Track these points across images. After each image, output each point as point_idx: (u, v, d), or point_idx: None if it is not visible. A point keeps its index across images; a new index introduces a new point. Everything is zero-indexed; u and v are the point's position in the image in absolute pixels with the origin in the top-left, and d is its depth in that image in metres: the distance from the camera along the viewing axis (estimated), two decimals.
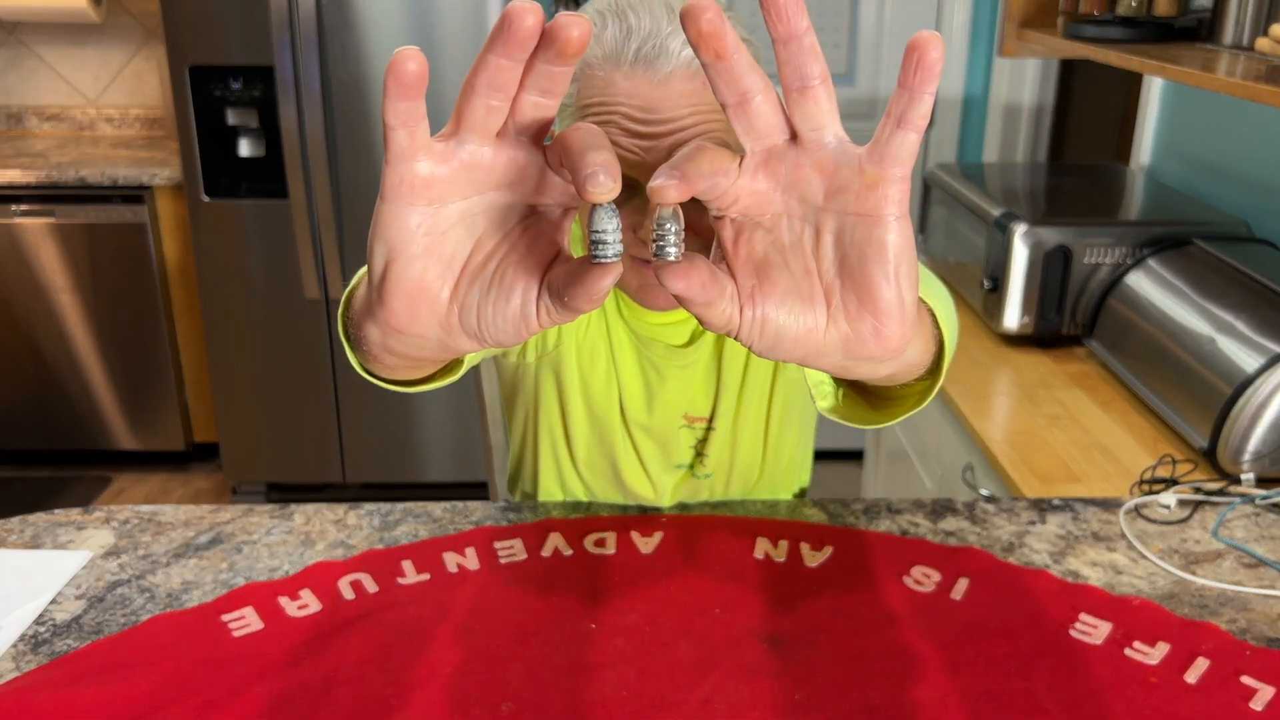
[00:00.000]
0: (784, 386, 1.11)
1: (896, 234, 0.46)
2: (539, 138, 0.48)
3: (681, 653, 0.92)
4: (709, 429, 1.11)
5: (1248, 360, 1.35)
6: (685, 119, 0.83)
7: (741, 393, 1.09)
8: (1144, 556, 1.08)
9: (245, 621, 0.96)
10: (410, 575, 1.02)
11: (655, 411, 1.08)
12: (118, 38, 3.24)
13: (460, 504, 1.17)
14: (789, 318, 0.47)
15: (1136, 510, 1.18)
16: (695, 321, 1.04)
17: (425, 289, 0.48)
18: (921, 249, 2.30)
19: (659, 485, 1.16)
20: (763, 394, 1.10)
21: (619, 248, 0.46)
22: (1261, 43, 1.41)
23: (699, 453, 1.13)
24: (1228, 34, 1.62)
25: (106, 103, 3.31)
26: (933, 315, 0.66)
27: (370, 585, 1.01)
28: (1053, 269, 1.72)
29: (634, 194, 0.87)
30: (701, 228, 0.89)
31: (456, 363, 0.66)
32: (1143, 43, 1.70)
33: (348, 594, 0.99)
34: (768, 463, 1.16)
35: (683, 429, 1.11)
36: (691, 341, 1.04)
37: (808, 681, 0.87)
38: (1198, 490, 1.23)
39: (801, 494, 1.25)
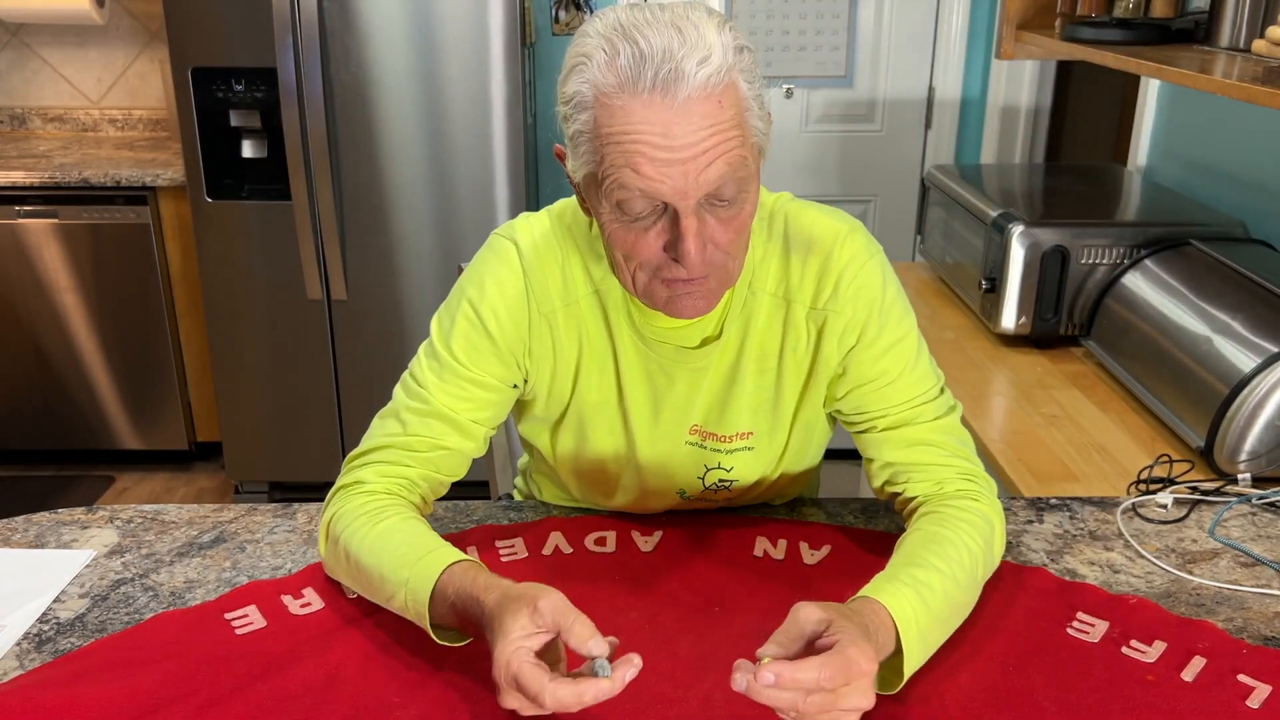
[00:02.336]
0: (806, 412, 1.10)
1: None
2: None
3: (681, 650, 0.92)
4: (726, 451, 1.10)
5: (1244, 360, 1.36)
6: (705, 140, 0.85)
7: (775, 415, 1.09)
8: (1141, 555, 1.09)
9: (248, 620, 0.96)
10: None
11: (661, 418, 1.08)
12: (121, 39, 3.25)
13: (461, 503, 1.18)
14: None
15: (1134, 509, 1.19)
16: (709, 326, 1.04)
17: None
18: (920, 250, 2.31)
19: (656, 509, 1.16)
20: (785, 420, 1.10)
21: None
22: (1258, 44, 1.42)
23: (705, 479, 1.12)
24: (1224, 36, 1.62)
25: (110, 104, 3.32)
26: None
27: None
28: (1050, 269, 1.73)
29: (661, 214, 0.89)
30: (721, 240, 0.90)
31: None
32: (1140, 44, 1.71)
33: (350, 592, 1.00)
34: (778, 482, 1.16)
35: (689, 445, 1.10)
36: (702, 345, 1.05)
37: None
38: (1194, 490, 1.23)
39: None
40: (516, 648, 0.79)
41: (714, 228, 0.89)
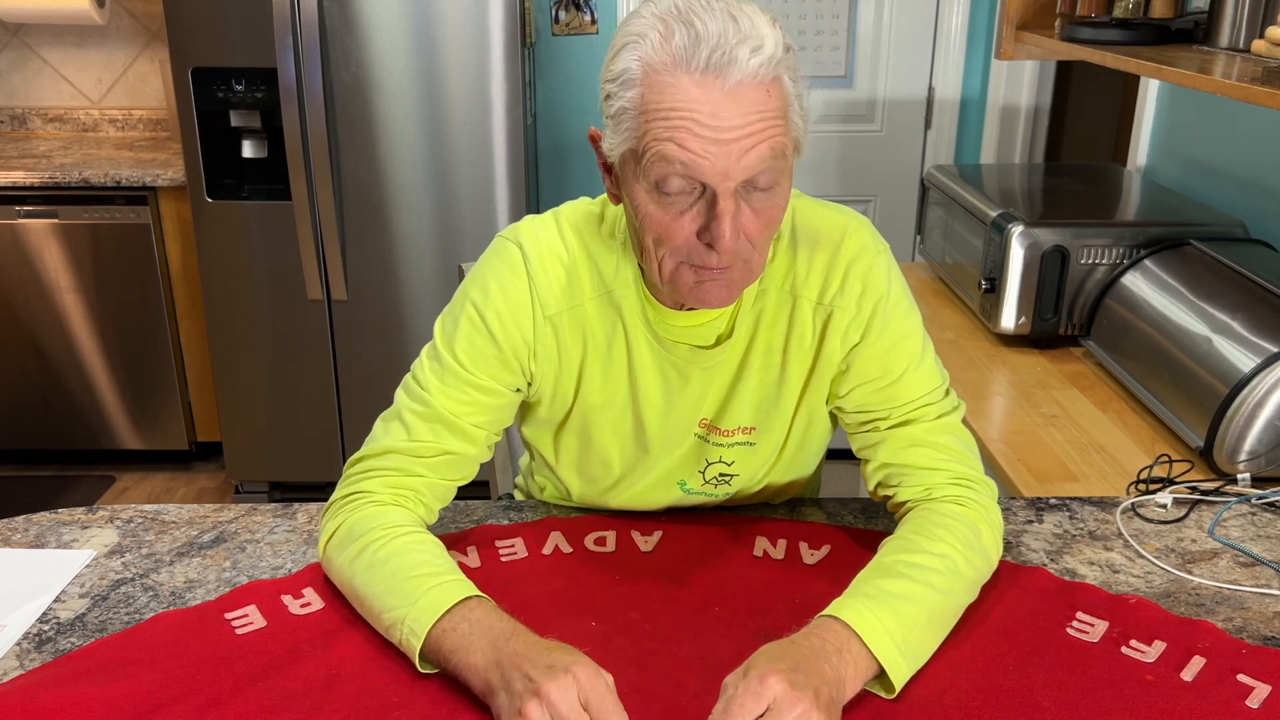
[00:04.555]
0: (807, 407, 1.10)
1: None
2: None
3: (681, 650, 0.93)
4: (728, 445, 1.10)
5: (1244, 360, 1.36)
6: (752, 124, 0.86)
7: (776, 409, 1.09)
8: (1141, 555, 1.09)
9: (248, 619, 0.96)
10: None
11: (673, 415, 1.08)
12: (121, 40, 3.25)
13: (461, 503, 1.18)
14: None
15: (1133, 509, 1.19)
16: (722, 325, 1.04)
17: None
18: (920, 250, 2.31)
19: (656, 505, 1.16)
20: (786, 415, 1.10)
21: None
22: (1258, 45, 1.42)
23: (705, 473, 1.13)
24: (1224, 36, 1.62)
25: (110, 104, 3.32)
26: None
27: None
28: (1050, 269, 1.73)
29: (698, 198, 0.90)
30: (751, 230, 0.91)
31: None
32: (1139, 45, 1.70)
33: None
34: (774, 479, 1.16)
35: (695, 437, 1.10)
36: (717, 344, 1.05)
37: None
38: (1194, 490, 1.23)
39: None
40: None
41: (747, 216, 0.90)
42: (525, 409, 1.13)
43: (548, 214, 1.07)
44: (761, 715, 0.77)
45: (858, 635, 0.85)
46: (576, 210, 1.07)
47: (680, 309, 1.03)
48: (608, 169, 0.96)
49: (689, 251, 0.92)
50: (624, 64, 0.88)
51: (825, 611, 0.89)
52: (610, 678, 0.81)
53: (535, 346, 1.05)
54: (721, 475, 1.11)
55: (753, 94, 0.85)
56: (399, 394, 1.06)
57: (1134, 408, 1.56)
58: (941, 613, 0.92)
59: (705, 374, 1.06)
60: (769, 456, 1.11)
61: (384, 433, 1.05)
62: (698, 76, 0.85)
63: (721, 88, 0.85)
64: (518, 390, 1.07)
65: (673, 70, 0.86)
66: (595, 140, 0.96)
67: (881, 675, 0.86)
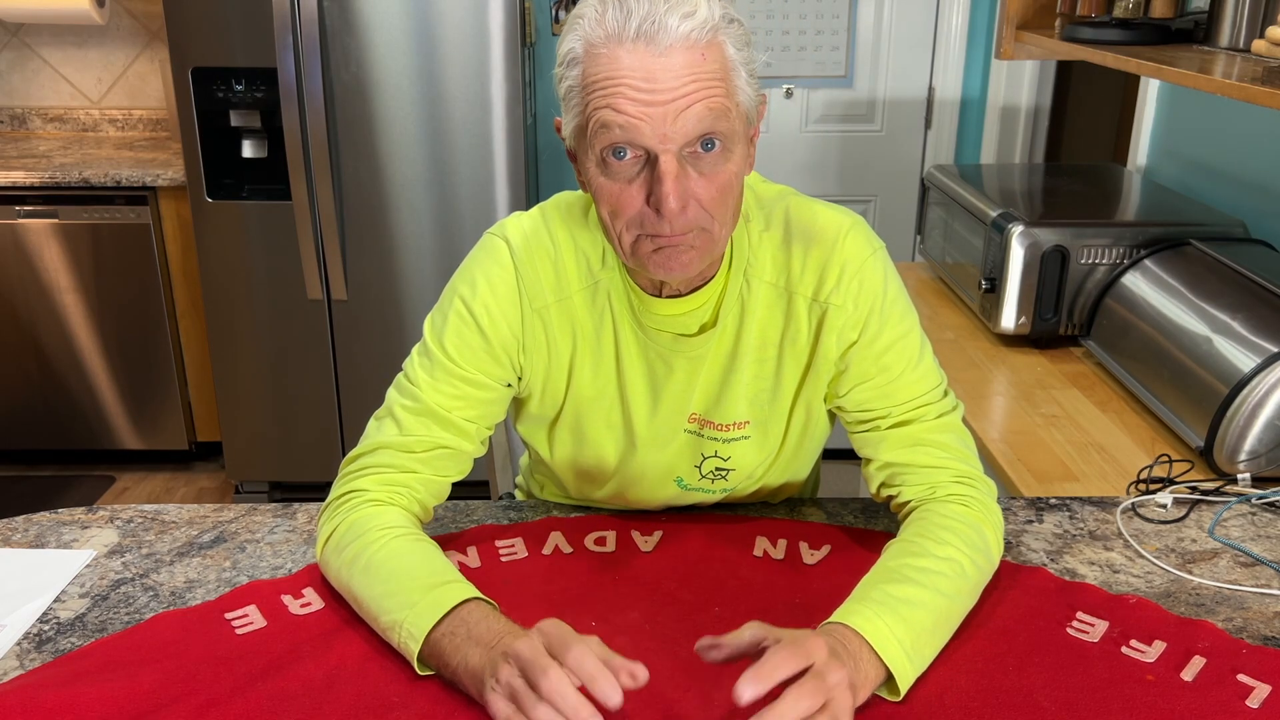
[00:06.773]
0: (804, 404, 1.10)
1: None
2: None
3: (681, 650, 0.92)
4: (723, 440, 1.10)
5: (1244, 360, 1.36)
6: (686, 85, 0.88)
7: (773, 405, 1.09)
8: (1141, 555, 1.09)
9: (248, 619, 0.96)
10: None
11: (661, 407, 1.08)
12: (121, 39, 3.25)
13: (461, 503, 1.18)
14: None
15: (1133, 509, 1.19)
16: (706, 314, 1.04)
17: None
18: (920, 250, 2.31)
19: (654, 502, 1.16)
20: (783, 411, 1.10)
21: None
22: (1258, 45, 1.42)
23: (702, 468, 1.13)
24: (1224, 36, 1.62)
25: (110, 104, 3.32)
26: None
27: None
28: (1050, 269, 1.73)
29: (645, 164, 0.90)
30: (702, 195, 0.91)
31: None
32: (1140, 45, 1.70)
33: None
34: (771, 477, 1.16)
35: (687, 433, 1.10)
36: (700, 333, 1.05)
37: None
38: (1194, 490, 1.23)
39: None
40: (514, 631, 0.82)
41: (695, 181, 0.91)
42: (518, 405, 1.13)
43: (534, 209, 1.09)
44: (798, 675, 0.78)
45: (868, 643, 0.85)
46: (562, 202, 1.08)
47: (660, 294, 1.03)
48: (572, 156, 0.98)
49: (642, 221, 0.93)
50: (568, 45, 0.91)
51: (834, 618, 0.88)
52: (596, 639, 0.81)
53: (524, 340, 1.05)
54: (718, 470, 1.11)
55: (685, 56, 0.87)
56: (390, 392, 1.07)
57: (1134, 408, 1.56)
58: (947, 617, 0.92)
59: (690, 364, 1.06)
60: (767, 454, 1.11)
61: (376, 430, 1.05)
62: (629, 45, 0.87)
63: (654, 53, 0.87)
64: (508, 385, 1.07)
65: (608, 43, 0.88)
66: (559, 130, 0.98)
67: (888, 680, 0.86)
